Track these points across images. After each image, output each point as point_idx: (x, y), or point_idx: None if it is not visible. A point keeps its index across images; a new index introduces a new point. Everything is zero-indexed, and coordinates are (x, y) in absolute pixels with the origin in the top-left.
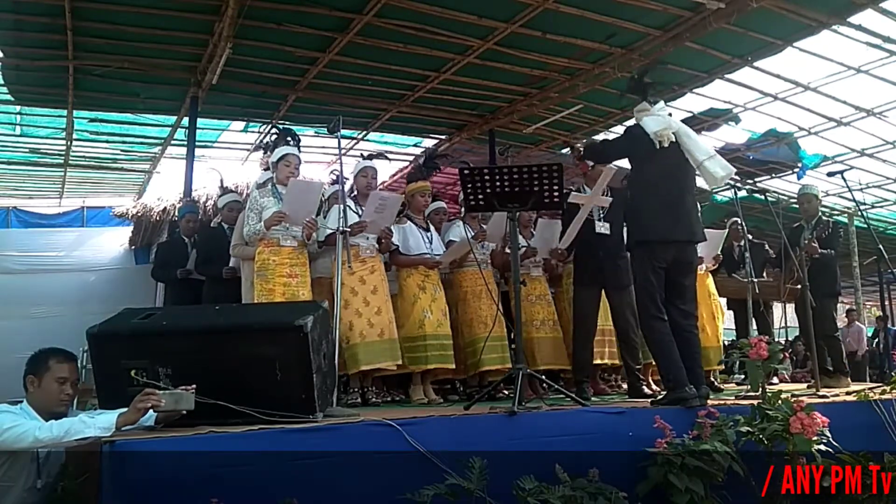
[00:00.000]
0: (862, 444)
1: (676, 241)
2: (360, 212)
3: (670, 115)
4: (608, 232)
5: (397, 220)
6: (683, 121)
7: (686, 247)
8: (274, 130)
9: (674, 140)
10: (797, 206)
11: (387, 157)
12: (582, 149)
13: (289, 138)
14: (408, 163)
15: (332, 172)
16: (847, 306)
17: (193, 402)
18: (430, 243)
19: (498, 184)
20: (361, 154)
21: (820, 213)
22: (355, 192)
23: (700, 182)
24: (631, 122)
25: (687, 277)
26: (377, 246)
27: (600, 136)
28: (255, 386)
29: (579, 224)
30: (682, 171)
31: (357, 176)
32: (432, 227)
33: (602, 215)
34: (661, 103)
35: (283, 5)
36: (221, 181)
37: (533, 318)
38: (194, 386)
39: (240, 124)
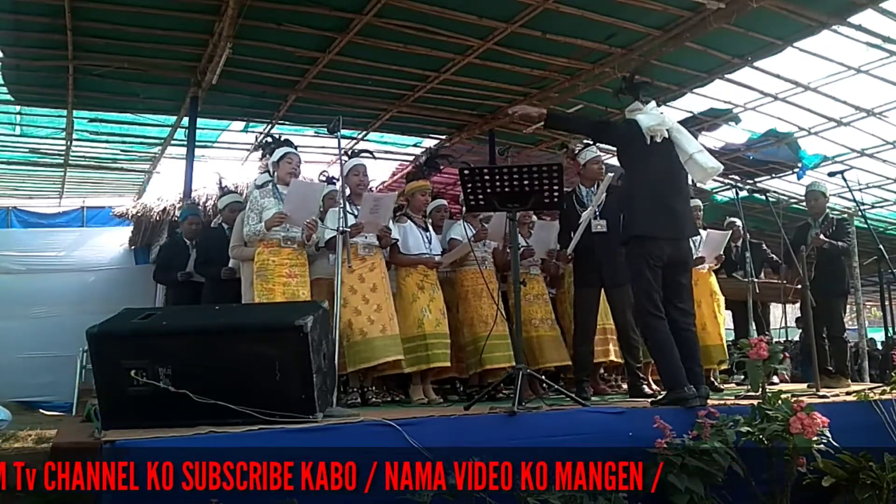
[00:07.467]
0: (862, 444)
1: (666, 237)
2: (354, 212)
3: (662, 113)
4: (605, 230)
5: (397, 219)
6: (683, 121)
7: (680, 244)
8: (269, 139)
9: (666, 137)
10: (801, 205)
11: (372, 154)
12: (545, 116)
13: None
14: (407, 163)
15: (322, 173)
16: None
17: None
18: (430, 243)
19: (498, 184)
20: (347, 152)
21: (827, 211)
22: (349, 192)
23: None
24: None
25: (683, 276)
26: (377, 243)
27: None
28: (254, 386)
29: (582, 229)
30: (675, 169)
31: (349, 175)
32: (431, 228)
33: (598, 213)
34: (653, 103)
35: (283, 5)
36: (220, 181)
37: (531, 318)
38: None
39: (240, 124)
